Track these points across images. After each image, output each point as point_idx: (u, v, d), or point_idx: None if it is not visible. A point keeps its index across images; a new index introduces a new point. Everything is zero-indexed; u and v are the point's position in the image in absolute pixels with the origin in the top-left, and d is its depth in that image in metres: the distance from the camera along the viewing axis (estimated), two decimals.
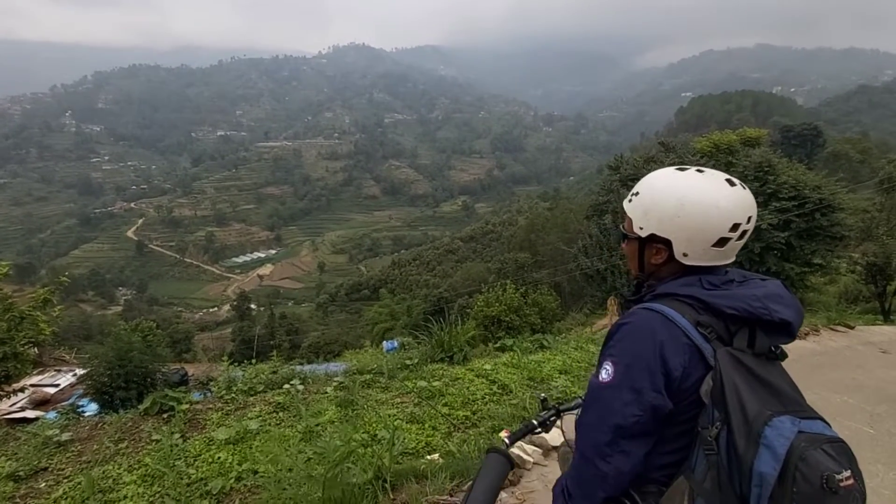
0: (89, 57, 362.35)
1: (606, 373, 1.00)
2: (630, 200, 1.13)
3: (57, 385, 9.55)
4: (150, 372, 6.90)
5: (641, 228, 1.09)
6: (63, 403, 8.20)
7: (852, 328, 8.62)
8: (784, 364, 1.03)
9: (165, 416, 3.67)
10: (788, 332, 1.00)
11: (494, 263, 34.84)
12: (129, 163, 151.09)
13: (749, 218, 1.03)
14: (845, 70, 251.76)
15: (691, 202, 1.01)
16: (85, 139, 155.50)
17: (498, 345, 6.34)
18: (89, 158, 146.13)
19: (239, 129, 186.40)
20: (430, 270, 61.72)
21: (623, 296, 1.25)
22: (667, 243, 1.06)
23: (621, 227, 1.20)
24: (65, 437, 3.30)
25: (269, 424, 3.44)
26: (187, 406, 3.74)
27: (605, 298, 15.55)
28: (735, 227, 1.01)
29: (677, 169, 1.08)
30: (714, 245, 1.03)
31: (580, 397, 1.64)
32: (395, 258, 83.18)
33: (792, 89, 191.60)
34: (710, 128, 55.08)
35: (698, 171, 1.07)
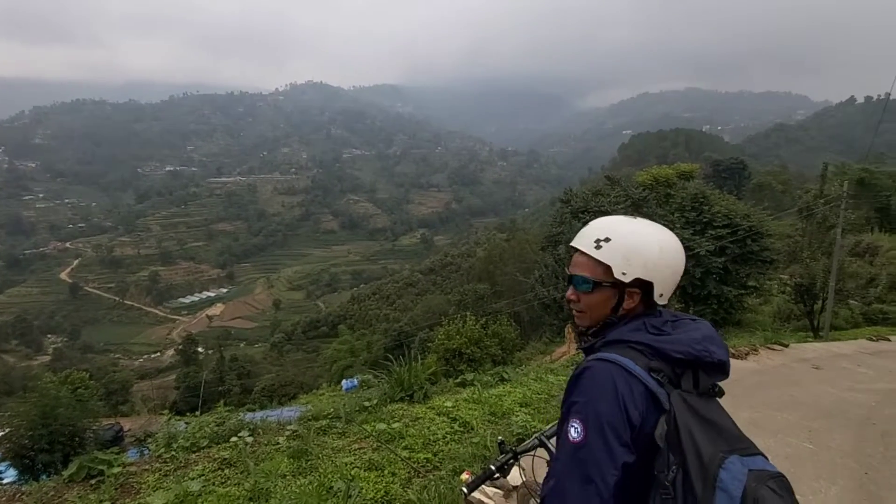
0: (30, 91, 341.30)
1: (576, 432, 0.98)
2: (598, 247, 1.11)
3: None
4: (78, 430, 6.27)
5: (624, 274, 1.08)
6: None
7: (787, 346, 9.23)
8: (728, 384, 1.09)
9: (94, 481, 3.31)
10: (724, 370, 1.05)
11: (454, 295, 34.88)
12: (67, 200, 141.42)
13: None
14: (763, 110, 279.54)
15: (666, 246, 1.10)
16: (18, 176, 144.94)
17: (459, 380, 6.28)
18: (21, 196, 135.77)
19: (189, 165, 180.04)
20: (390, 304, 60.83)
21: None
22: (644, 286, 1.10)
23: (580, 275, 1.15)
24: None
25: (213, 484, 3.17)
26: (119, 469, 3.40)
27: (563, 327, 15.86)
28: (684, 267, 1.15)
29: (628, 217, 1.17)
30: (676, 284, 1.13)
31: (536, 437, 1.65)
32: (354, 293, 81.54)
33: (719, 127, 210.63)
34: (649, 162, 59.22)
35: (644, 219, 1.17)
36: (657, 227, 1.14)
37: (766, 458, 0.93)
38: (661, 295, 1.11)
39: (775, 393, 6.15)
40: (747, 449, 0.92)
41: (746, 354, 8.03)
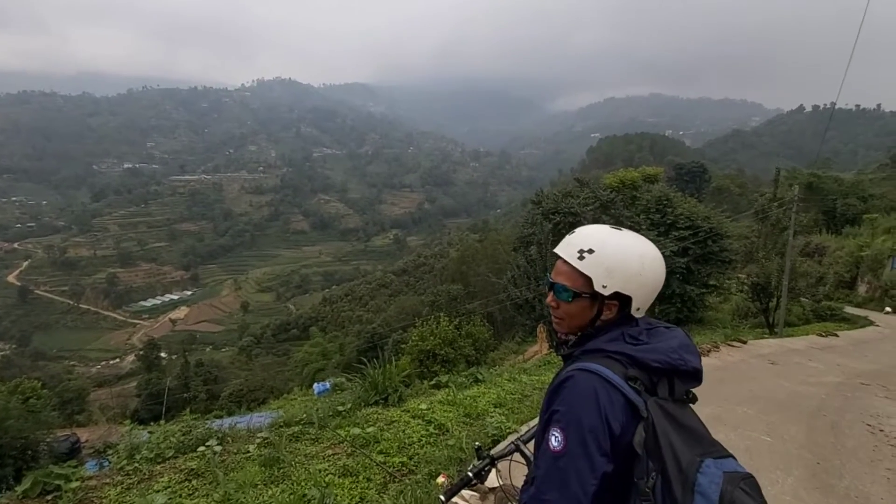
0: None
1: (557, 441, 0.99)
2: (582, 258, 1.11)
3: None
4: (31, 443, 5.92)
5: (605, 287, 1.09)
6: None
7: (745, 343, 9.68)
8: None
9: (50, 497, 3.14)
10: (698, 377, 1.09)
11: (428, 296, 34.85)
12: (14, 198, 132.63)
13: None
14: (721, 117, 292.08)
15: (650, 259, 1.10)
16: None
17: (433, 382, 6.28)
18: None
19: (150, 162, 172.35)
20: (362, 306, 60.18)
21: (556, 341, 1.25)
22: (623, 299, 1.10)
23: (561, 284, 1.15)
24: None
25: (180, 496, 3.05)
26: (78, 483, 3.23)
27: (535, 326, 16.10)
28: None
29: (613, 228, 1.15)
30: (654, 297, 1.14)
31: (513, 443, 1.67)
32: (325, 294, 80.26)
33: (681, 132, 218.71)
34: (616, 165, 61.03)
35: (629, 231, 1.16)
36: (641, 241, 1.14)
37: (736, 459, 0.97)
38: (639, 308, 1.12)
39: (735, 388, 6.44)
40: (719, 452, 0.97)
41: (708, 351, 8.37)
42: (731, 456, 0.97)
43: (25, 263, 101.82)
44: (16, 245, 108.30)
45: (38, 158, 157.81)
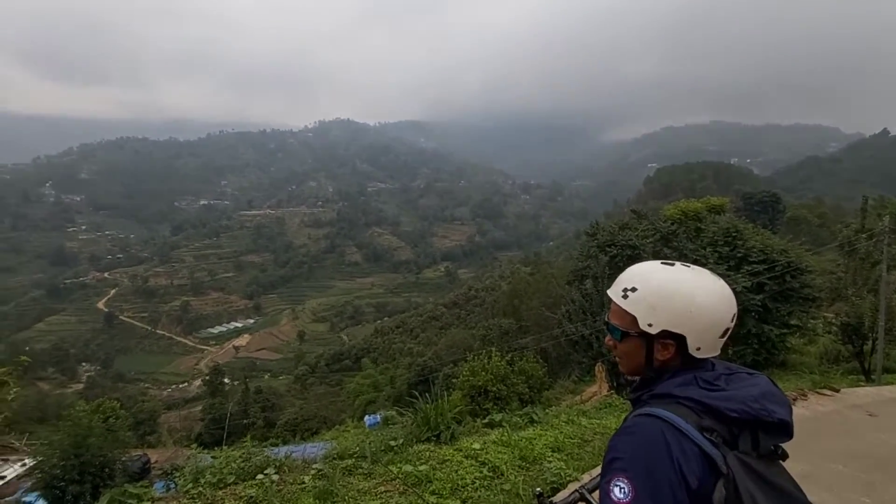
0: (76, 129, 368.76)
1: (623, 491, 0.90)
2: (625, 296, 1.09)
3: (2, 477, 8.68)
4: (108, 461, 6.34)
5: (651, 325, 1.05)
6: (8, 499, 7.37)
7: (838, 391, 8.63)
8: None
9: None
10: (787, 431, 0.98)
11: (479, 330, 34.39)
12: (107, 232, 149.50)
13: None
14: (793, 143, 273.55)
15: (701, 296, 1.04)
16: (63, 209, 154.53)
17: (486, 420, 6.09)
18: (65, 228, 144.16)
19: (223, 199, 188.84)
20: (413, 338, 60.40)
21: (621, 382, 1.20)
22: (677, 338, 1.05)
23: (611, 323, 1.14)
24: None
25: None
26: (149, 503, 3.40)
27: (592, 365, 15.33)
28: (733, 317, 1.07)
29: (664, 264, 1.11)
30: (720, 336, 1.06)
31: (577, 490, 1.57)
32: (377, 326, 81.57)
33: (748, 160, 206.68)
34: (676, 195, 58.40)
35: (685, 266, 1.10)
36: (695, 276, 1.07)
37: None
38: (699, 349, 1.04)
39: (828, 443, 5.71)
40: None
41: (795, 400, 7.52)
42: None
43: (113, 291, 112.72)
44: (106, 274, 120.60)
45: (130, 196, 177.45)
